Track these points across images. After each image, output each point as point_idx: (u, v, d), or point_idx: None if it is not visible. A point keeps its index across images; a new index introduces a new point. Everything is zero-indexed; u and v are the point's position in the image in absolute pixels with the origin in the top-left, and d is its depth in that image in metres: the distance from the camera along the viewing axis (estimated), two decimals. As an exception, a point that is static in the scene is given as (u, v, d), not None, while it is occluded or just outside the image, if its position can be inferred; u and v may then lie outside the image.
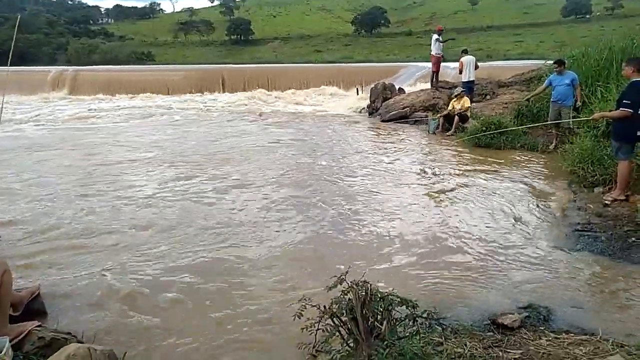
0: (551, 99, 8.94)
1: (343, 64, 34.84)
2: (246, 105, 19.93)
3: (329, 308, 2.73)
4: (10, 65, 4.56)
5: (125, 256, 4.47)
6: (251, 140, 10.98)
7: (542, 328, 3.16)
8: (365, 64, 36.22)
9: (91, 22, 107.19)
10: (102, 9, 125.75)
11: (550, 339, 2.97)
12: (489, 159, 8.47)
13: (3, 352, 2.61)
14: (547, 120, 9.16)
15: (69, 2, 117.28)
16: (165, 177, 7.41)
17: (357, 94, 21.25)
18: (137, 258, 4.44)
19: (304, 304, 2.74)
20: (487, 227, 5.16)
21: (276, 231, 5.11)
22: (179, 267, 4.26)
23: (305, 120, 15.07)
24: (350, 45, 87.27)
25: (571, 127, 8.56)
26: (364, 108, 16.59)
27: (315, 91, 22.97)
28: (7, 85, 23.36)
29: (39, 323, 3.11)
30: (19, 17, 6.94)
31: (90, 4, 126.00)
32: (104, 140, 11.16)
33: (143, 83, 25.15)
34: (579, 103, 8.62)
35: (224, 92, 24.56)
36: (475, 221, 5.34)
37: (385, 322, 2.66)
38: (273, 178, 7.27)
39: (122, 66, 34.72)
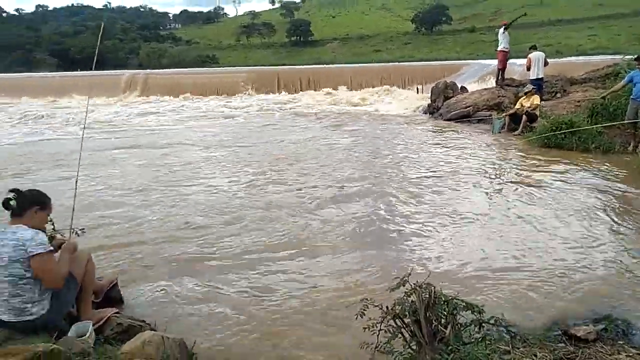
0: (631, 97, 8.34)
1: (402, 63, 34.23)
2: (305, 104, 20.17)
3: (392, 309, 2.70)
4: (92, 69, 4.93)
5: (197, 250, 4.69)
6: (313, 141, 11.10)
7: (621, 342, 2.95)
8: (425, 62, 35.39)
9: (161, 27, 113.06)
10: (171, 15, 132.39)
11: (631, 354, 2.77)
12: (560, 160, 8.00)
13: (87, 335, 2.83)
14: (624, 119, 8.53)
15: (141, 9, 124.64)
16: (240, 177, 7.66)
17: (417, 93, 20.85)
18: (209, 253, 4.64)
19: (366, 303, 2.75)
20: (558, 233, 4.88)
21: (341, 230, 5.15)
22: (251, 262, 4.40)
23: (365, 120, 15.00)
24: (410, 43, 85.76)
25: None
26: (424, 107, 16.25)
27: (374, 91, 22.76)
28: (85, 88, 25.29)
29: (117, 310, 3.33)
30: (102, 24, 7.40)
31: (160, 10, 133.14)
32: (175, 140, 11.73)
33: (207, 85, 26.16)
34: None
35: (280, 92, 24.94)
36: (545, 226, 5.07)
37: (449, 327, 2.61)
38: (338, 179, 7.31)
39: (188, 69, 36.20)
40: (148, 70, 31.33)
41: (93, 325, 2.97)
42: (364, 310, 2.69)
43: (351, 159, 8.81)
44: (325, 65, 36.44)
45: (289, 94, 24.31)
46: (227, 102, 22.26)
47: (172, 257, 4.53)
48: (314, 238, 4.94)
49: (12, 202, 2.80)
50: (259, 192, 6.70)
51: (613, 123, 8.69)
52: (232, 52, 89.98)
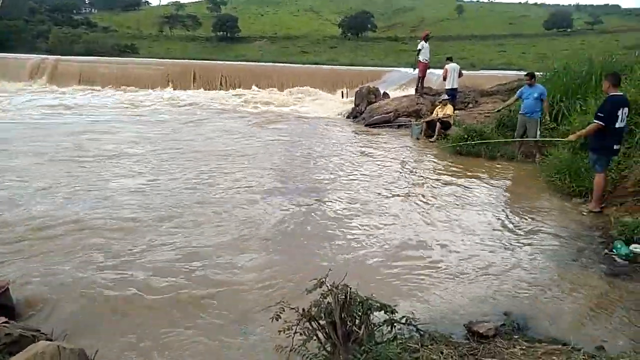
0: (519, 111, 9.06)
1: (328, 66, 34.78)
2: (229, 102, 19.75)
3: (308, 311, 2.70)
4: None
5: (100, 253, 4.38)
6: (238, 139, 10.89)
7: (517, 337, 3.20)
8: (350, 66, 36.26)
9: (74, 11, 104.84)
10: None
11: (524, 347, 3.01)
12: (469, 167, 8.59)
13: (-32, 349, 2.52)
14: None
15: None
16: (161, 171, 7.41)
17: (342, 97, 21.29)
18: (118, 253, 4.36)
19: (282, 306, 2.72)
20: (466, 233, 5.22)
21: (256, 230, 5.08)
22: (157, 262, 4.20)
23: (288, 121, 15.01)
24: (336, 47, 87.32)
25: (538, 141, 8.69)
26: (348, 111, 16.61)
27: (299, 92, 22.88)
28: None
29: (6, 319, 3.01)
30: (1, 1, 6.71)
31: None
32: (87, 131, 10.91)
33: (125, 76, 24.71)
34: (545, 117, 8.83)
35: (198, 88, 24.17)
36: (453, 227, 5.40)
37: (363, 327, 2.65)
38: (257, 177, 7.23)
39: (104, 57, 33.95)
40: (57, 57, 28.86)
41: (-25, 337, 2.65)
42: (280, 313, 2.67)
43: (271, 159, 8.77)
44: (249, 63, 35.91)
45: (210, 90, 23.67)
46: (144, 95, 21.15)
47: (74, 261, 4.18)
48: (231, 239, 4.83)
49: None
50: (178, 189, 6.44)
51: (506, 140, 9.35)
52: (153, 43, 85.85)
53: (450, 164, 8.84)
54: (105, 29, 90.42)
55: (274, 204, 5.98)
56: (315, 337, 2.67)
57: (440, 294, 3.83)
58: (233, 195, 6.31)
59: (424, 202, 6.37)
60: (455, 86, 13.06)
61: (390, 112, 13.83)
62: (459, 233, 5.22)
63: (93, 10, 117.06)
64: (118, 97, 19.86)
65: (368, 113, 14.61)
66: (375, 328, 2.71)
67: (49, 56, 28.94)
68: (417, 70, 14.70)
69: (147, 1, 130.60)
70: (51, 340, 2.87)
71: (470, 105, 13.81)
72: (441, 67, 13.80)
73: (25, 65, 25.42)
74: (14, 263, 4.07)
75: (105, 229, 4.92)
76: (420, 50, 14.36)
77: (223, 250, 4.55)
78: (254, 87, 23.86)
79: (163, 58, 38.87)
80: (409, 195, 6.67)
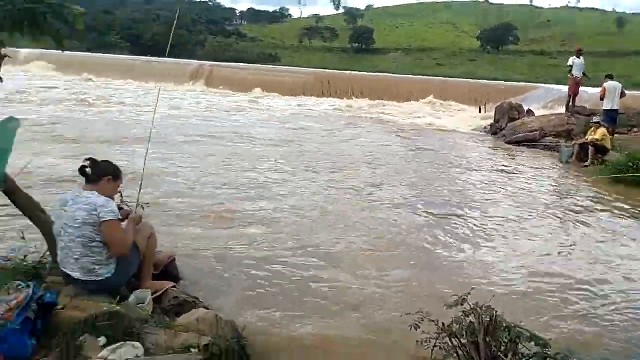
0: None
1: (465, 80, 33.46)
2: (364, 111, 20.11)
3: (449, 327, 2.61)
4: (166, 56, 5.11)
5: (259, 238, 4.74)
6: (375, 148, 11.00)
7: None
8: (490, 81, 34.40)
9: (227, 23, 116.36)
10: (238, 12, 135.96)
11: None
12: (633, 199, 7.44)
13: (146, 303, 2.90)
14: None
15: (210, 3, 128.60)
16: (310, 175, 7.69)
17: (480, 111, 20.29)
18: (271, 242, 4.66)
19: (421, 316, 2.66)
20: (629, 274, 4.56)
21: (399, 239, 5.07)
22: (311, 258, 4.38)
23: (424, 133, 14.75)
24: (475, 60, 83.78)
25: None
26: (486, 127, 15.77)
27: (435, 104, 22.37)
28: (154, 74, 26.39)
29: (174, 284, 3.41)
30: (177, 11, 7.72)
31: (227, 6, 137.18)
32: (243, 131, 12.01)
33: (274, 83, 26.66)
34: None
35: (340, 97, 25.02)
36: (617, 264, 4.75)
37: (510, 355, 2.48)
38: (396, 188, 7.18)
39: (254, 65, 37.05)
40: (214, 62, 32.34)
41: (152, 295, 3.05)
42: (419, 323, 2.62)
43: (408, 170, 8.66)
44: (387, 74, 36.08)
45: (348, 99, 24.33)
46: (293, 102, 22.55)
47: (233, 241, 4.58)
48: (367, 245, 4.86)
49: (88, 170, 2.92)
50: (325, 192, 6.73)
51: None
52: (294, 53, 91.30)
53: (607, 193, 7.79)
54: (252, 39, 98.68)
55: (415, 215, 5.90)
56: (455, 355, 2.58)
57: (600, 334, 3.40)
58: (374, 203, 6.37)
59: (575, 230, 5.74)
60: (615, 107, 11.63)
61: (536, 130, 12.78)
62: (621, 271, 4.58)
63: (243, 22, 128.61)
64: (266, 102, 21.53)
65: (510, 130, 13.68)
66: (523, 359, 2.51)
67: (206, 62, 32.51)
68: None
69: (291, 14, 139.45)
70: (208, 309, 3.16)
71: (636, 130, 12.13)
72: (598, 86, 12.40)
73: (187, 70, 28.84)
74: (183, 238, 4.59)
75: (269, 222, 5.29)
76: (571, 66, 13.12)
77: (367, 255, 4.59)
78: (386, 98, 23.99)
79: (302, 67, 41.03)
80: (559, 220, 6.07)
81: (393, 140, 12.63)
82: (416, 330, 2.58)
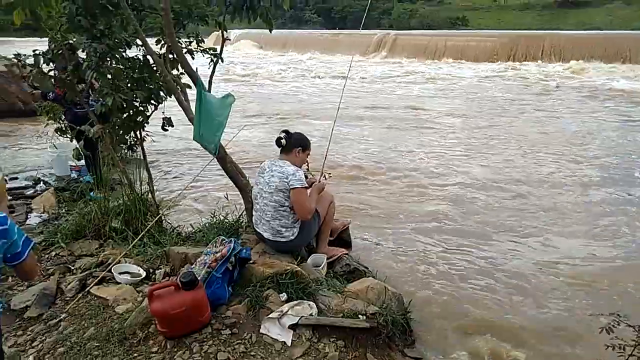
0: None
1: None
2: (579, 77, 17.59)
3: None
4: (360, 29, 5.29)
5: (449, 217, 4.71)
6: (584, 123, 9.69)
7: None
8: None
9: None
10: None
11: None
12: None
13: (322, 266, 3.19)
14: None
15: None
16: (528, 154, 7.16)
17: None
18: (459, 222, 4.58)
19: (617, 319, 2.35)
20: None
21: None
22: (503, 242, 4.21)
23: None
24: None
25: None
26: None
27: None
28: (340, 46, 27.55)
29: (347, 251, 3.65)
30: None
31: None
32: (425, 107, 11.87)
33: (455, 48, 25.33)
34: None
35: (543, 60, 22.29)
36: None
37: None
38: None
39: (434, 31, 35.58)
40: (396, 32, 32.08)
41: (327, 259, 3.33)
42: (613, 326, 2.31)
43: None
44: (593, 32, 30.64)
45: (552, 62, 21.56)
46: (476, 67, 21.21)
47: (412, 217, 4.66)
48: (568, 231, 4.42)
49: (283, 141, 3.28)
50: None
51: None
52: (484, 14, 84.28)
53: None
54: (440, 2, 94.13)
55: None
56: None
57: None
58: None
59: None
60: None
61: None
62: None
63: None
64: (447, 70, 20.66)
65: None
66: None
67: (390, 31, 32.49)
68: None
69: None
70: (375, 278, 3.31)
71: None
72: None
73: (371, 41, 29.28)
74: (360, 209, 4.85)
75: (457, 199, 5.21)
76: None
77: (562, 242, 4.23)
78: (592, 60, 20.53)
79: (492, 29, 37.75)
80: None
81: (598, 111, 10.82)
82: (608, 333, 2.30)
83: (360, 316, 2.64)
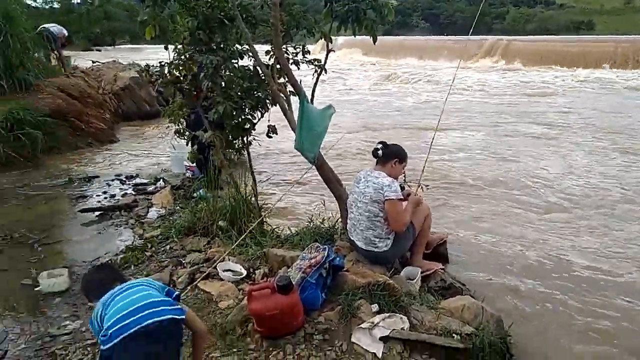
0: None
1: None
2: None
3: None
4: (469, 34, 5.14)
5: (558, 234, 4.39)
6: None
7: None
8: None
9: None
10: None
11: None
12: None
13: (415, 280, 3.11)
14: None
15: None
16: None
17: None
18: (568, 241, 4.27)
19: None
20: None
21: None
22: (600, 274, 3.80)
23: None
24: None
25: None
26: None
27: None
28: (447, 53, 26.73)
29: (443, 266, 3.52)
30: None
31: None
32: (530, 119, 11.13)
33: (575, 55, 23.20)
34: None
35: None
36: None
37: None
38: None
39: (552, 36, 32.96)
40: (509, 37, 30.27)
41: (421, 273, 3.24)
42: None
43: None
44: None
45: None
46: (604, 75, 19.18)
47: (515, 237, 4.36)
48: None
49: (380, 152, 3.27)
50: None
51: None
52: (614, 17, 76.17)
53: None
54: (561, 5, 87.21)
55: None
56: None
57: None
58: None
59: None
60: None
61: None
62: None
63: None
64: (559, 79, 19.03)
65: None
66: None
67: (503, 37, 30.76)
68: None
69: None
70: (473, 297, 3.13)
71: None
72: None
73: (483, 47, 27.93)
74: (454, 220, 4.67)
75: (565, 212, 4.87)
76: None
77: None
78: None
79: (623, 34, 33.96)
80: None
81: None
82: None
83: (454, 335, 2.53)
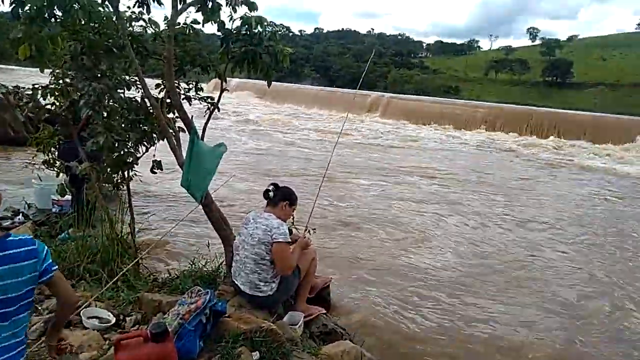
0: None
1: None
2: (558, 154, 18.18)
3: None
4: (357, 89, 5.52)
5: (426, 277, 4.66)
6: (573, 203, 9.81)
7: None
8: None
9: (412, 55, 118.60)
10: (425, 44, 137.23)
11: None
12: None
13: (298, 325, 3.10)
14: None
15: (399, 37, 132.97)
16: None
17: None
18: (458, 290, 4.52)
19: None
20: None
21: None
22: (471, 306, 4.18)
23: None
24: None
25: None
26: None
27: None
28: (335, 104, 28.34)
29: (325, 311, 3.55)
30: (374, 50, 8.33)
31: (416, 39, 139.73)
32: (406, 167, 12.11)
33: (446, 115, 26.15)
34: None
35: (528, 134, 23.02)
36: None
37: None
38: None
39: (428, 97, 36.98)
40: (390, 94, 33.21)
41: (304, 317, 3.24)
42: None
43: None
44: (580, 112, 31.94)
45: (537, 137, 22.28)
46: (464, 135, 21.82)
47: (393, 281, 4.59)
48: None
49: (271, 194, 3.28)
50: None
51: None
52: (475, 86, 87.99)
53: None
54: (434, 71, 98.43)
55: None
56: None
57: None
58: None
59: None
60: None
61: None
62: None
63: (428, 54, 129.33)
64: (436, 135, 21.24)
65: None
66: None
67: (385, 94, 33.62)
68: None
69: (480, 46, 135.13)
70: (353, 342, 3.20)
71: None
72: None
73: (367, 101, 30.21)
74: (336, 265, 4.79)
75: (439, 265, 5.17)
76: None
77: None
78: (581, 140, 21.32)
79: (483, 101, 39.29)
80: None
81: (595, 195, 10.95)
82: None
83: (333, 382, 2.54)
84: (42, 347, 2.66)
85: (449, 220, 6.94)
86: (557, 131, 22.54)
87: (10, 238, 1.50)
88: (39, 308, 3.10)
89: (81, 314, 2.91)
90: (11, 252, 1.47)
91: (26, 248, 1.51)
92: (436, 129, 24.19)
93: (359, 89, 6.12)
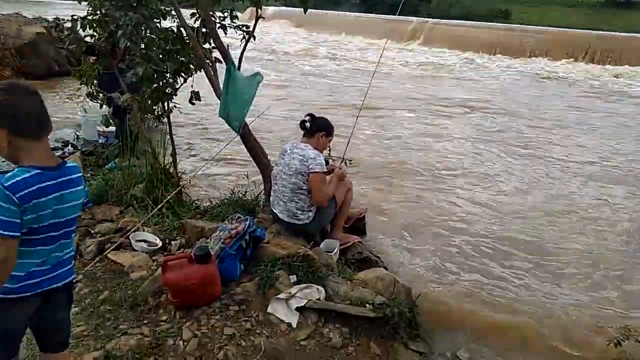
0: None
1: None
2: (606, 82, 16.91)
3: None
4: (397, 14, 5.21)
5: (472, 216, 4.61)
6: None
7: None
8: None
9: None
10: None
11: None
12: None
13: (334, 252, 3.21)
14: None
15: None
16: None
17: None
18: (482, 222, 4.48)
19: (626, 333, 2.37)
20: None
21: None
22: (522, 242, 4.11)
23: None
24: None
25: None
26: None
27: None
28: (373, 31, 27.08)
29: (360, 240, 3.65)
30: None
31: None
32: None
33: (495, 42, 24.54)
34: None
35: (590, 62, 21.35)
36: None
37: None
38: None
39: (476, 22, 34.60)
40: (435, 20, 31.27)
41: (339, 245, 3.34)
42: (622, 339, 2.34)
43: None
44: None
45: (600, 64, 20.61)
46: (513, 64, 20.52)
47: (431, 211, 4.59)
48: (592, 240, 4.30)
49: (307, 124, 3.28)
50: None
51: None
52: (528, 8, 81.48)
53: None
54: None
55: None
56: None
57: None
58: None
59: None
60: None
61: None
62: None
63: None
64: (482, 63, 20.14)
65: None
66: None
67: (428, 19, 31.72)
68: None
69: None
70: (387, 269, 3.30)
71: None
72: None
73: (408, 28, 28.62)
74: (379, 198, 4.83)
75: (486, 201, 5.04)
76: None
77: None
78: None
79: (534, 25, 36.42)
80: None
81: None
82: (615, 347, 2.35)
83: (367, 305, 2.66)
84: (97, 266, 2.91)
85: (501, 159, 6.59)
86: (620, 58, 20.69)
87: (68, 165, 1.61)
88: (91, 232, 3.34)
89: (130, 237, 3.12)
90: (73, 176, 1.59)
91: (79, 174, 1.63)
92: (487, 57, 22.76)
93: (399, 15, 5.76)
